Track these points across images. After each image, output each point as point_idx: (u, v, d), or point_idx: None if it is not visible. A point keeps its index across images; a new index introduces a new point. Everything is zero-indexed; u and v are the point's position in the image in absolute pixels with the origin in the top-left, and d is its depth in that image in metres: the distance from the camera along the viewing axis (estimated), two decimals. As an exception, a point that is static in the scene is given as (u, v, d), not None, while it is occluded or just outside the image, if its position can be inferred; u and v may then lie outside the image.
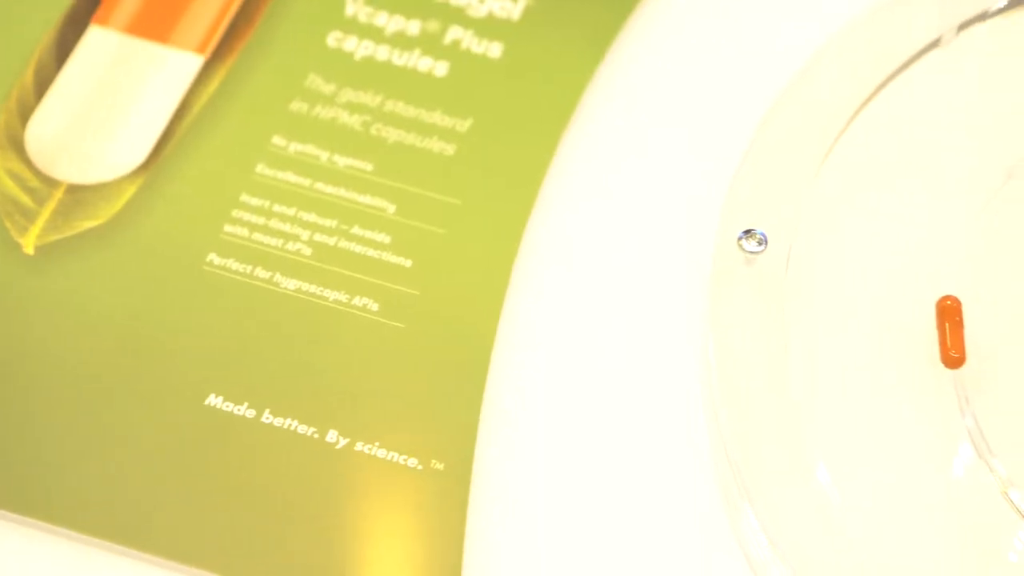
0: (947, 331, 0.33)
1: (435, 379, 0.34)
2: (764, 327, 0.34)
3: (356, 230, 0.36)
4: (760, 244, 0.35)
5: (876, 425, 0.33)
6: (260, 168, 0.36)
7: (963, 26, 0.37)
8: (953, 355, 0.33)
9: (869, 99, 0.36)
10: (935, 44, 0.37)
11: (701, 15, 0.39)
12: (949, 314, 0.33)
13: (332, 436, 0.33)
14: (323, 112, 0.37)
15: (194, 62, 0.38)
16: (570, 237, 0.36)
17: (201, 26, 0.38)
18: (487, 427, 0.34)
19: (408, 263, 0.36)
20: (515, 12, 0.39)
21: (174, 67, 0.37)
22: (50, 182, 0.36)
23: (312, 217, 0.36)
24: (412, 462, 0.33)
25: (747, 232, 0.34)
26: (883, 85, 0.37)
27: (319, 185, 0.36)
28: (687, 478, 0.33)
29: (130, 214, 0.36)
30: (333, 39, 0.38)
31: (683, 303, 0.35)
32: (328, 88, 0.37)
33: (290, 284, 0.35)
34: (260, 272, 0.35)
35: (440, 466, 0.33)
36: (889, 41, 0.37)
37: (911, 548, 0.31)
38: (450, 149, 0.37)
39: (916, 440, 0.33)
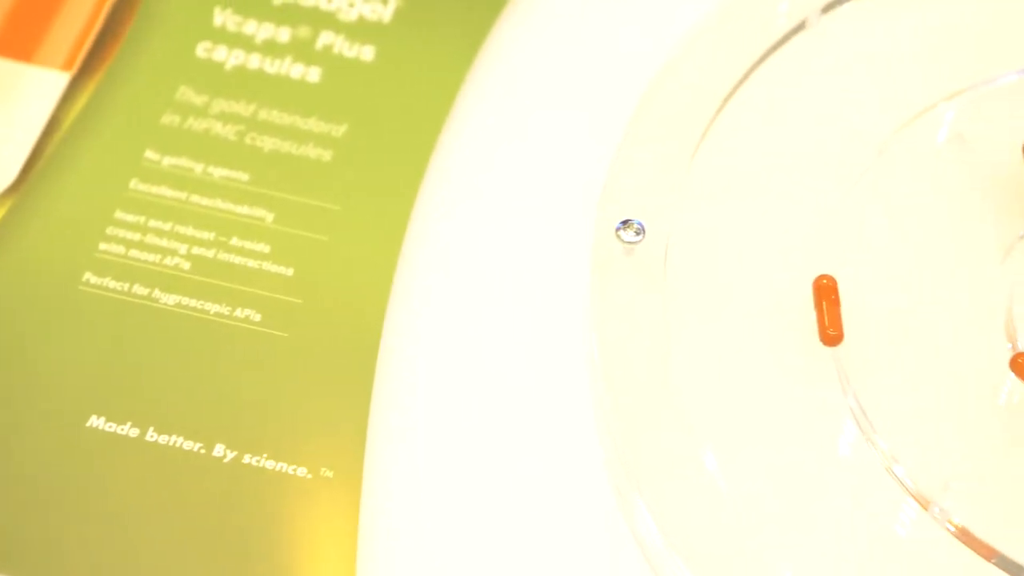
0: (824, 309, 0.33)
1: (321, 387, 0.34)
2: (646, 317, 0.34)
3: (235, 241, 0.36)
4: (638, 234, 0.35)
5: (761, 408, 0.33)
6: (134, 184, 0.36)
7: (827, 8, 0.37)
8: (831, 333, 0.33)
9: (739, 84, 0.37)
10: (800, 27, 0.37)
11: (571, 9, 0.39)
12: (825, 292, 0.33)
13: (219, 450, 0.33)
14: (196, 124, 0.37)
15: (60, 79, 0.37)
16: (452, 237, 0.36)
17: (66, 42, 0.38)
18: (375, 432, 0.34)
19: (289, 272, 0.35)
20: (386, 14, 0.39)
21: (39, 85, 0.37)
22: (-81, 208, 0.36)
23: (189, 230, 0.36)
24: (301, 471, 0.33)
25: (624, 223, 0.35)
26: (752, 70, 0.37)
27: (195, 198, 0.36)
28: (578, 474, 0.33)
29: (1, 237, 0.36)
30: (202, 49, 0.38)
31: (566, 297, 0.35)
32: (200, 99, 0.37)
33: (170, 299, 0.35)
34: (138, 289, 0.35)
35: (329, 474, 0.33)
36: (755, 26, 0.37)
37: (801, 529, 0.31)
38: (327, 155, 0.37)
39: (800, 421, 0.33)
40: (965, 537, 0.32)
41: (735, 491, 0.32)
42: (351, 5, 0.39)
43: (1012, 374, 0.33)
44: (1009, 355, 0.33)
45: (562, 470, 0.33)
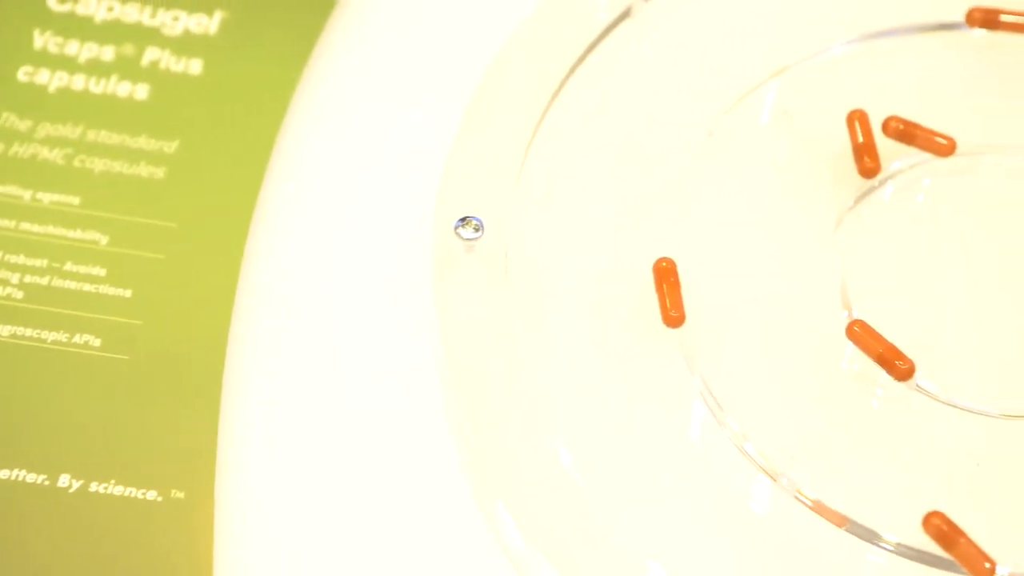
0: (665, 292, 0.33)
1: (167, 407, 0.33)
2: (490, 313, 0.34)
3: (69, 266, 0.35)
4: (477, 230, 0.35)
5: (610, 397, 0.33)
6: (-40, 216, 0.36)
7: (651, -6, 0.39)
8: (673, 315, 0.33)
9: (569, 75, 0.37)
10: (626, 15, 0.37)
11: (399, 11, 0.39)
12: (665, 275, 0.34)
13: (64, 480, 0.32)
14: (21, 150, 0.36)
15: None
16: (293, 247, 0.36)
17: None
18: (226, 449, 0.33)
19: (127, 293, 0.35)
20: (212, 27, 0.39)
21: None
22: None
23: (20, 259, 0.35)
24: (151, 495, 0.32)
25: (463, 220, 0.34)
26: (581, 60, 0.37)
27: (24, 225, 0.35)
28: (435, 479, 0.33)
29: None
30: (24, 74, 0.37)
31: (411, 299, 0.35)
32: (24, 125, 0.36)
33: (3, 330, 0.34)
34: (-30, 323, 0.35)
35: (181, 495, 0.32)
36: (582, 16, 0.37)
37: (661, 515, 0.31)
38: (160, 173, 0.36)
39: (651, 406, 0.33)
40: (817, 507, 0.32)
41: (592, 483, 0.32)
42: (175, 19, 0.39)
43: (850, 342, 0.34)
44: (846, 324, 0.34)
45: (418, 477, 0.33)
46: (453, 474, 0.33)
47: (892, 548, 0.31)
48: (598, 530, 0.31)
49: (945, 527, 0.31)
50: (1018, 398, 0.33)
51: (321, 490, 0.33)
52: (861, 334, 0.33)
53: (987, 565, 0.30)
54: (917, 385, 0.33)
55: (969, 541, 0.31)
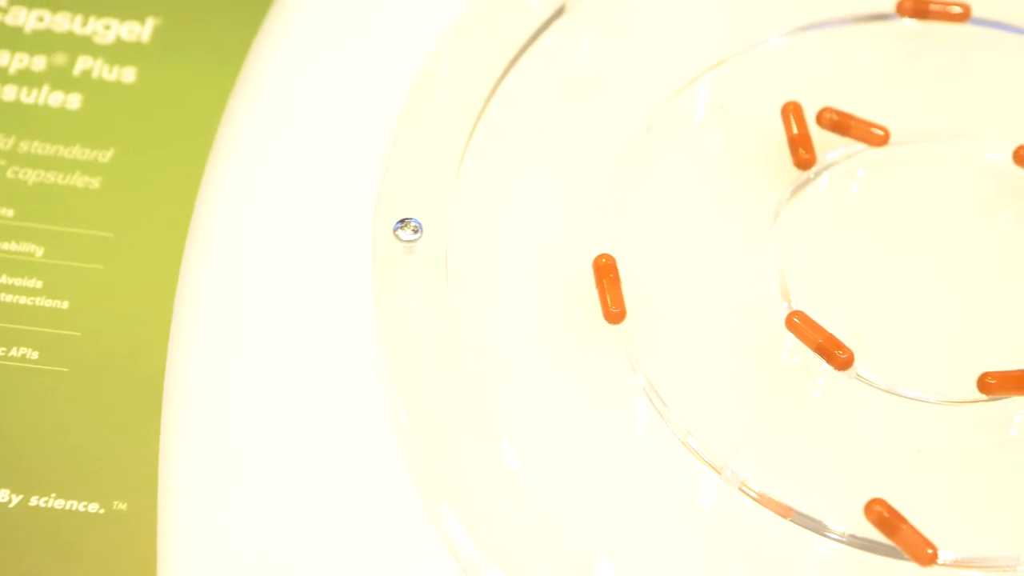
0: (605, 288, 0.33)
1: (108, 418, 0.33)
2: (432, 315, 0.34)
3: (4, 279, 0.34)
4: (416, 232, 0.34)
5: (554, 396, 0.33)
6: None
7: (584, -9, 0.39)
8: (614, 311, 0.33)
9: (505, 73, 0.37)
10: (560, 12, 0.37)
11: (333, 14, 0.39)
12: (605, 271, 0.34)
13: (3, 495, 0.32)
14: (-48, 163, 0.37)
15: None
16: (232, 253, 0.36)
17: None
18: (168, 459, 0.33)
19: (65, 305, 0.34)
20: (144, 34, 0.38)
21: None
22: None
23: (-45, 273, 0.36)
24: (93, 507, 0.32)
25: (402, 222, 0.34)
26: (517, 58, 0.37)
27: (-42, 239, 0.36)
28: (382, 484, 0.33)
29: None
30: (-46, 86, 0.38)
31: (353, 304, 0.35)
32: (-45, 137, 0.37)
33: (-61, 346, 0.35)
34: (-96, 339, 0.35)
35: (123, 506, 0.32)
36: (516, 14, 0.37)
37: (609, 514, 0.31)
38: (95, 183, 0.36)
39: (595, 405, 0.33)
40: (763, 499, 0.32)
41: (538, 483, 0.32)
42: (107, 28, 0.38)
43: (790, 333, 0.33)
44: (786, 315, 0.34)
45: (363, 480, 0.33)
46: (398, 476, 0.33)
47: (838, 537, 0.31)
48: (545, 530, 0.31)
49: (887, 514, 0.31)
50: (956, 384, 0.33)
51: (265, 496, 0.33)
52: (800, 325, 0.33)
53: (929, 551, 0.31)
54: (857, 374, 0.33)
55: (911, 527, 0.31)
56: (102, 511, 0.32)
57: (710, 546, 0.31)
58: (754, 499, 0.32)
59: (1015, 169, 0.35)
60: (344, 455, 0.33)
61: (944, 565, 0.31)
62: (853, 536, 0.31)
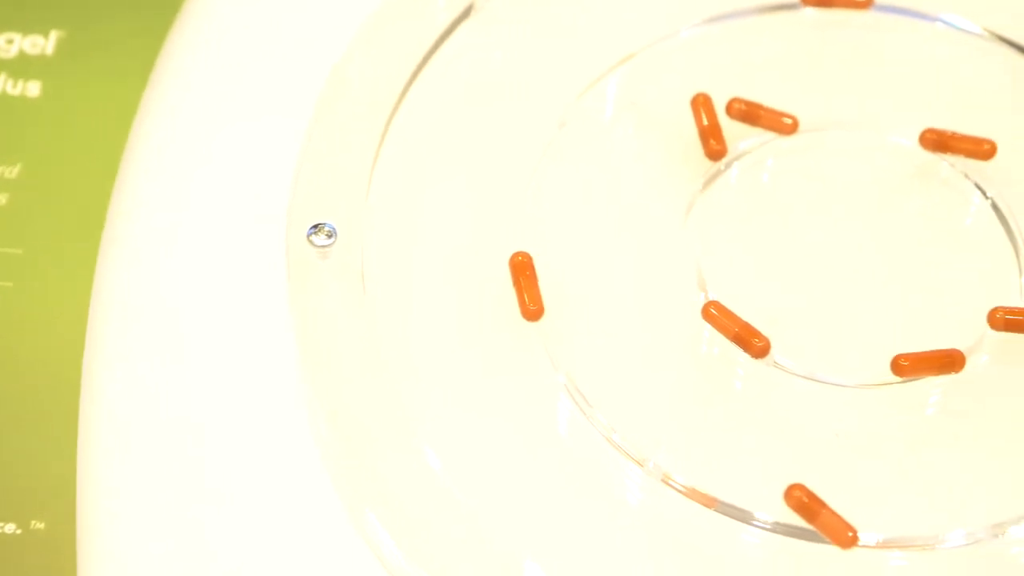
0: (522, 286, 0.33)
1: (23, 437, 0.32)
2: (349, 320, 0.33)
3: (-88, 299, 0.35)
4: (330, 237, 0.34)
5: (476, 398, 0.33)
6: None
7: (490, -10, 0.39)
8: (532, 308, 0.33)
9: (415, 75, 0.36)
10: (468, 11, 0.37)
11: (237, 23, 0.38)
12: (521, 269, 0.34)
13: (-82, 519, 0.32)
14: None
15: None
16: (145, 266, 0.35)
17: None
18: (86, 475, 0.33)
19: (-25, 324, 0.35)
20: (48, 47, 0.38)
21: None
22: None
23: None
24: (10, 527, 0.31)
25: (315, 227, 0.34)
26: (427, 59, 0.37)
27: None
28: (306, 495, 0.32)
29: None
30: None
31: (268, 311, 0.34)
32: None
33: None
34: None
35: (41, 526, 0.32)
36: (424, 15, 0.37)
37: (537, 515, 0.31)
38: (2, 199, 0.35)
39: (518, 405, 0.33)
40: (688, 491, 0.32)
41: (463, 486, 0.31)
42: (10, 42, 0.38)
43: (707, 324, 0.34)
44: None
45: (288, 492, 0.33)
46: (321, 484, 0.33)
47: (763, 525, 0.32)
48: (471, 532, 0.31)
49: (806, 499, 0.31)
50: (872, 368, 0.33)
51: (186, 512, 0.32)
52: (716, 315, 0.33)
53: (849, 534, 0.31)
54: (775, 362, 0.33)
55: (830, 511, 0.31)
56: (19, 531, 0.31)
57: (637, 541, 0.31)
58: (680, 491, 0.32)
59: (922, 153, 0.36)
60: (266, 465, 0.33)
61: (867, 547, 0.31)
62: (777, 523, 0.31)
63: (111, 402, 0.34)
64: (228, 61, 0.38)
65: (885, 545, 0.31)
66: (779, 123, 0.36)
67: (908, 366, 0.32)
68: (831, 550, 0.31)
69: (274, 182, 0.36)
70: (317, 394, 0.33)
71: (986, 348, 0.33)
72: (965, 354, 0.33)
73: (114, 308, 0.35)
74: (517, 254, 0.34)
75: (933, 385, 0.33)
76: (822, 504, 0.31)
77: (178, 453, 0.33)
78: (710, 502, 0.32)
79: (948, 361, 0.33)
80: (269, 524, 0.32)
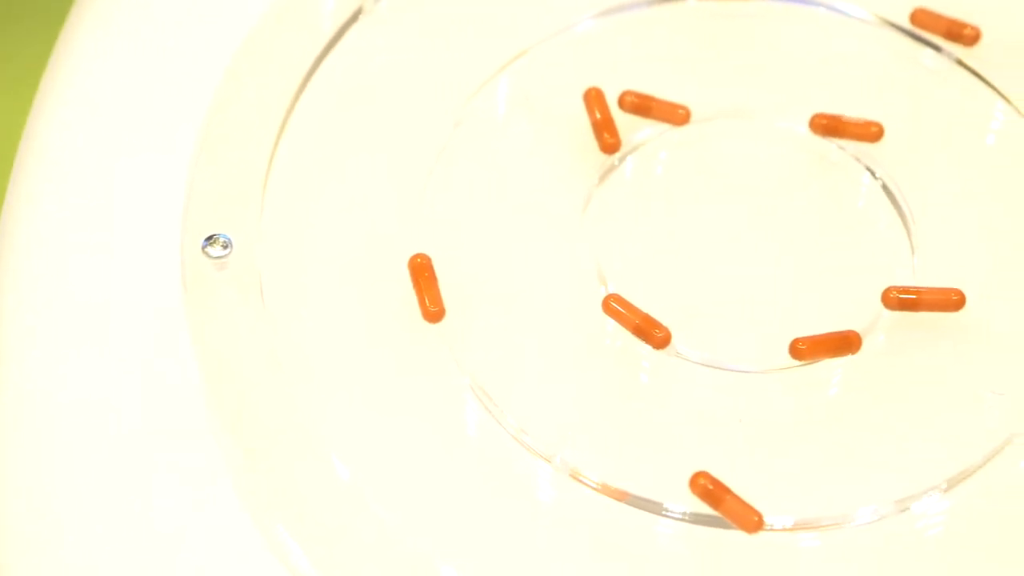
0: (422, 288, 0.33)
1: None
2: (249, 332, 0.33)
3: None
4: (226, 248, 0.34)
5: (382, 405, 0.33)
6: None
7: (381, -9, 0.38)
8: (432, 310, 0.33)
9: (305, 81, 0.36)
10: (359, 14, 0.37)
11: (122, 38, 0.38)
12: (420, 271, 0.33)
13: None
14: None
15: None
16: (41, 283, 0.34)
17: None
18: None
19: None
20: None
21: None
22: None
23: None
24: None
25: (210, 238, 0.34)
26: (316, 65, 0.36)
27: None
28: (215, 511, 0.32)
29: None
30: None
31: (166, 326, 0.34)
32: None
33: None
34: None
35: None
36: (312, 20, 0.37)
37: (453, 521, 0.31)
38: None
39: (424, 407, 0.33)
40: (599, 485, 0.32)
41: (374, 495, 0.31)
42: None
43: (609, 317, 0.34)
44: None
45: (194, 510, 0.32)
46: (228, 501, 0.32)
47: (676, 516, 0.32)
48: (385, 540, 0.31)
49: (711, 486, 0.31)
50: (772, 353, 0.33)
51: (94, 536, 0.32)
52: (617, 308, 0.33)
53: (755, 518, 0.31)
54: (677, 352, 0.33)
55: (735, 497, 0.31)
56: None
57: (551, 539, 0.31)
58: (591, 487, 0.32)
59: (812, 138, 0.36)
60: (170, 484, 0.32)
61: (778, 530, 0.31)
62: (689, 513, 0.32)
63: (8, 420, 0.32)
64: (115, 76, 0.37)
65: (796, 527, 0.31)
66: (672, 114, 0.36)
67: (806, 349, 0.33)
68: (745, 536, 0.31)
69: (167, 196, 0.36)
70: (219, 407, 0.32)
71: (882, 328, 0.34)
72: (861, 335, 0.33)
73: (7, 327, 0.34)
74: (416, 256, 0.34)
75: (832, 367, 0.33)
76: (726, 490, 0.31)
77: (78, 471, 0.32)
78: (621, 496, 0.32)
79: (845, 343, 0.33)
80: (177, 544, 0.32)
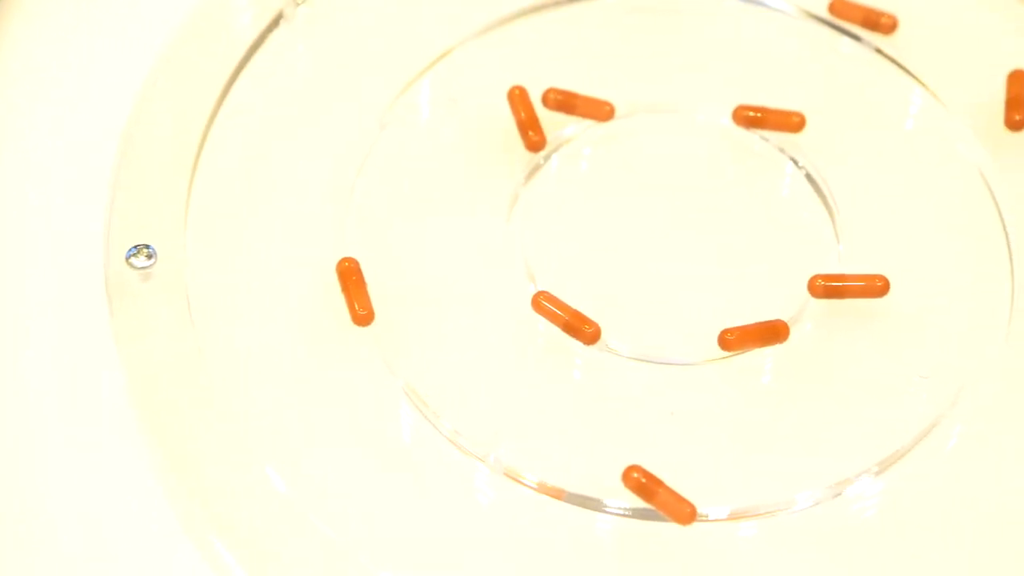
0: (350, 291, 0.33)
1: None
2: (176, 342, 0.33)
3: None
4: (150, 258, 0.33)
5: (315, 413, 0.32)
6: None
7: (301, -1, 0.38)
8: (361, 313, 0.33)
9: (227, 88, 0.36)
10: (279, 20, 0.37)
11: (42, 46, 0.37)
12: (348, 275, 0.33)
13: None
14: None
15: None
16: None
17: None
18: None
19: None
20: None
21: None
22: None
23: None
24: None
25: (134, 249, 0.33)
26: (238, 71, 0.36)
27: None
28: (148, 527, 0.32)
29: None
30: None
31: (92, 339, 0.34)
32: None
33: None
34: None
35: None
36: (231, 27, 0.37)
37: (390, 526, 0.31)
38: None
39: (358, 413, 0.32)
40: (535, 485, 0.32)
41: (310, 504, 0.31)
42: None
43: (538, 315, 0.33)
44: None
45: (126, 527, 0.32)
46: (162, 516, 0.32)
47: (614, 511, 0.32)
48: (326, 551, 0.31)
49: (644, 479, 0.31)
50: (701, 345, 0.33)
51: (22, 555, 0.31)
52: (546, 305, 0.33)
53: (688, 510, 0.31)
54: (607, 347, 0.33)
55: (667, 489, 0.31)
56: None
57: (491, 541, 0.31)
58: (530, 487, 0.32)
59: (735, 129, 0.36)
60: (101, 500, 0.32)
61: (715, 520, 0.31)
62: (626, 507, 0.32)
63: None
64: (37, 80, 0.37)
65: (732, 516, 0.31)
66: (595, 110, 0.36)
67: (734, 340, 0.33)
68: (684, 528, 0.31)
69: (89, 207, 0.35)
70: (149, 421, 0.32)
71: (809, 316, 0.34)
72: (789, 324, 0.33)
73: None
74: (343, 260, 0.33)
75: (762, 356, 0.33)
76: (659, 483, 0.31)
77: (10, 490, 0.32)
78: (558, 494, 0.32)
79: (773, 332, 0.33)
80: (111, 563, 0.31)
